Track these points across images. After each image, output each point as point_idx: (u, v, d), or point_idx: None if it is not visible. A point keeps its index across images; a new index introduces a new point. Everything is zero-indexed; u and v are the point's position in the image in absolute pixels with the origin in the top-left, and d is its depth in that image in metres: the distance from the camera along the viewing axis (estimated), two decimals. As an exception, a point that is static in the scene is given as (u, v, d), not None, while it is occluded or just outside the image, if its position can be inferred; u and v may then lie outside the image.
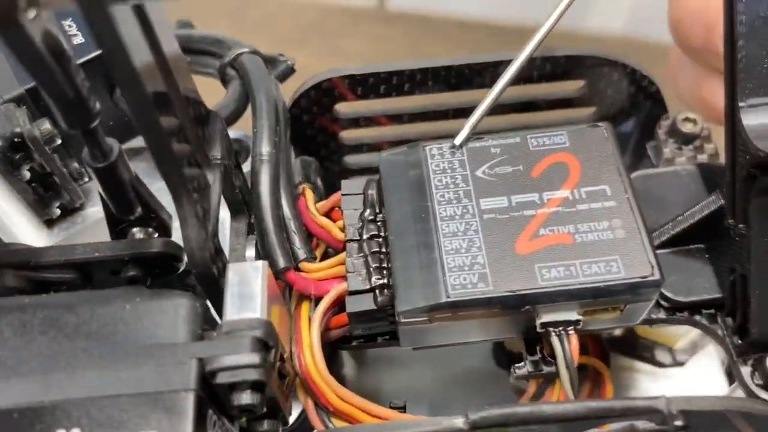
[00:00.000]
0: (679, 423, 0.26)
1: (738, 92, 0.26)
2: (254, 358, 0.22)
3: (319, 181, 0.34)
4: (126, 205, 0.25)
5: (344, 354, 0.38)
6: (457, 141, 0.29)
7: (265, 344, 0.23)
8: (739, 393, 0.29)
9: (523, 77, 0.33)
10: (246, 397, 0.22)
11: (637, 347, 0.37)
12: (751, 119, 0.26)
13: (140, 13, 0.19)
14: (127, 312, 0.23)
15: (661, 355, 0.37)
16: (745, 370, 0.29)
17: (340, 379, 0.29)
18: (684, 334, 0.36)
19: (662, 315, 0.30)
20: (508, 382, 0.33)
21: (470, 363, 0.37)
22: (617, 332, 0.37)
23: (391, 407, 0.28)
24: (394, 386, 0.36)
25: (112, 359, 0.22)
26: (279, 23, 1.15)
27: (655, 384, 0.37)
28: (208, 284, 0.24)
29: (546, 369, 0.28)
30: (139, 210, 0.26)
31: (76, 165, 0.31)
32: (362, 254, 0.28)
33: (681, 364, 0.37)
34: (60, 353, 0.23)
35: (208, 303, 0.25)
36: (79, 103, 0.21)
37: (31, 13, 0.18)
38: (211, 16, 1.07)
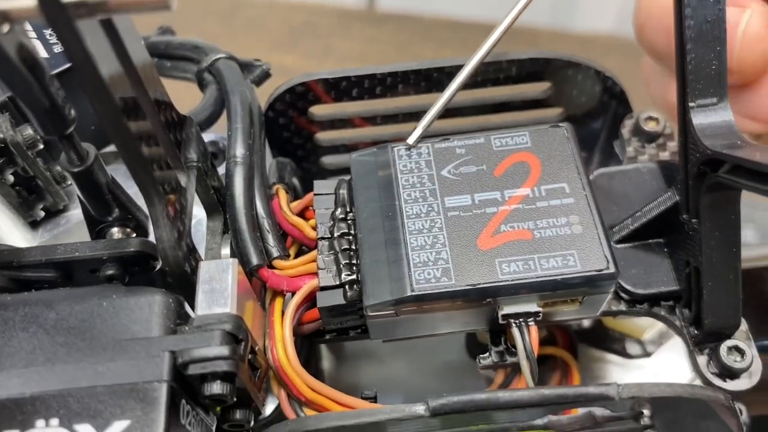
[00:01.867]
0: (646, 412, 0.28)
1: (688, 93, 0.27)
2: (224, 350, 0.23)
3: (295, 182, 0.35)
4: (103, 206, 0.26)
5: (323, 351, 0.40)
6: (410, 140, 0.30)
7: (235, 337, 0.24)
8: (698, 382, 0.30)
9: (490, 79, 0.35)
10: (216, 387, 0.23)
11: (606, 339, 0.38)
12: (700, 118, 0.27)
13: (107, 24, 0.20)
14: (104, 308, 0.24)
15: (630, 347, 0.38)
16: (702, 360, 0.30)
17: (319, 374, 0.31)
18: (651, 326, 0.38)
19: (623, 307, 0.31)
20: (477, 368, 0.35)
21: (445, 356, 0.38)
22: (586, 324, 0.38)
23: (362, 398, 0.29)
24: (369, 380, 0.38)
25: (89, 353, 0.24)
26: (269, 25, 1.16)
27: (624, 374, 0.38)
28: (182, 281, 0.25)
29: (510, 359, 0.29)
30: (116, 211, 0.27)
31: (59, 169, 0.32)
32: (333, 251, 0.30)
33: (649, 354, 0.38)
34: (40, 348, 0.24)
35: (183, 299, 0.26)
36: (54, 111, 0.22)
37: (5, 27, 0.19)
38: (202, 18, 1.09)
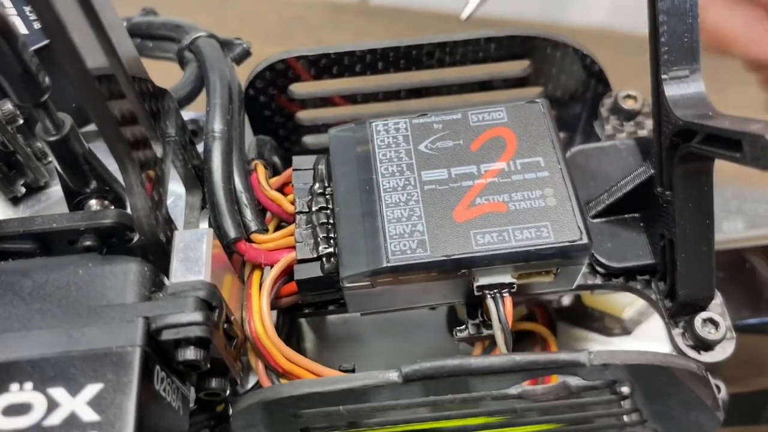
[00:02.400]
0: (624, 386, 0.28)
1: (661, 66, 0.27)
2: (197, 317, 0.23)
3: (275, 159, 0.35)
4: (80, 177, 0.26)
5: (305, 330, 0.40)
6: (463, 16, 0.31)
7: (209, 304, 0.24)
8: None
9: (469, 58, 0.35)
10: (190, 353, 0.23)
11: (586, 318, 0.39)
12: (673, 90, 0.27)
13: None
14: (80, 276, 0.25)
15: (610, 325, 0.39)
16: (677, 332, 0.30)
17: (300, 353, 0.31)
18: (630, 303, 0.38)
19: (598, 281, 0.31)
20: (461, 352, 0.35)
21: (426, 336, 0.39)
22: (565, 303, 0.38)
23: (340, 370, 0.29)
24: (349, 355, 0.38)
25: (64, 319, 0.24)
26: (262, 18, 1.16)
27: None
28: (157, 250, 0.25)
29: (486, 332, 0.30)
30: (93, 183, 0.27)
31: (39, 145, 0.32)
32: (311, 225, 0.30)
33: (629, 332, 0.38)
34: (15, 315, 0.24)
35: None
36: (27, 77, 0.22)
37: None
38: (195, 11, 1.09)
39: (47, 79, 0.23)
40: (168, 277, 0.26)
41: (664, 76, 0.27)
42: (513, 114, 0.31)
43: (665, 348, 0.37)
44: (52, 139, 0.25)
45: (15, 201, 0.33)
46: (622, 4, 1.07)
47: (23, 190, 0.33)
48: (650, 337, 0.38)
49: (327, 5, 1.19)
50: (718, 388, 0.38)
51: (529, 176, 0.29)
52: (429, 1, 1.15)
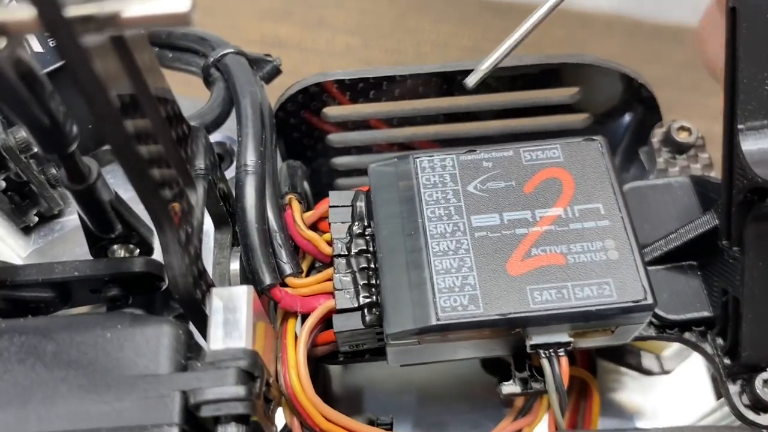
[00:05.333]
0: None
1: (737, 114, 0.25)
2: (239, 391, 0.21)
3: (306, 187, 0.33)
4: (106, 224, 0.24)
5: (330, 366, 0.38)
6: (470, 82, 0.28)
7: (251, 375, 0.22)
8: (727, 410, 0.29)
9: (517, 85, 0.33)
10: (231, 430, 0.22)
11: (624, 354, 0.37)
12: (749, 143, 0.25)
13: (118, 42, 0.18)
14: (108, 340, 0.22)
15: (648, 363, 0.37)
16: (734, 389, 0.29)
17: (327, 388, 0.29)
18: (671, 343, 0.36)
19: (652, 332, 0.29)
20: (495, 389, 0.33)
21: (458, 370, 0.37)
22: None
23: (378, 425, 0.28)
24: (379, 396, 0.36)
25: (92, 390, 0.22)
26: (260, -7, 1.12)
27: (642, 390, 0.37)
28: (192, 309, 0.23)
29: (535, 387, 0.28)
30: (119, 228, 0.25)
31: (54, 171, 0.30)
32: (350, 270, 0.28)
33: (667, 372, 0.37)
34: (38, 383, 0.22)
35: (192, 327, 0.24)
36: (54, 129, 0.20)
37: (1, 42, 0.17)
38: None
39: (75, 128, 0.21)
40: (203, 336, 0.24)
41: (740, 126, 0.25)
42: (569, 152, 0.29)
43: (706, 393, 0.36)
44: (77, 188, 0.22)
45: (26, 230, 0.31)
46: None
47: (36, 219, 0.30)
48: (691, 378, 0.36)
49: (329, -19, 1.15)
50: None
51: (589, 225, 0.27)
52: (436, -20, 1.11)
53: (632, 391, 0.37)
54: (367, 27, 1.12)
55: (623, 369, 0.37)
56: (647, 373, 0.37)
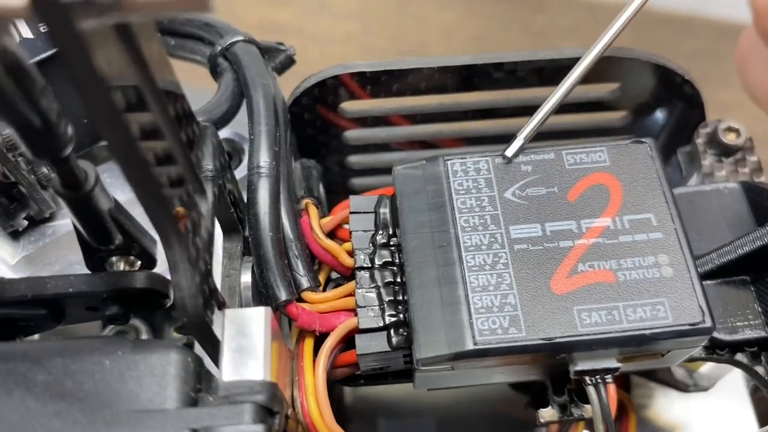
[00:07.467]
0: None
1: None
2: (257, 430, 0.19)
3: (321, 190, 0.30)
4: (104, 235, 0.21)
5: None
6: (509, 152, 0.26)
7: (269, 411, 0.19)
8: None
9: (556, 80, 0.30)
10: (247, 473, 0.19)
11: (657, 369, 0.35)
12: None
13: (123, 30, 0.15)
14: (107, 369, 0.20)
15: (682, 377, 0.35)
16: (789, 416, 0.26)
17: (338, 406, 0.26)
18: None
19: (701, 353, 0.27)
20: (523, 406, 0.31)
21: (482, 387, 0.34)
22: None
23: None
24: (396, 415, 0.34)
25: (89, 427, 0.19)
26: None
27: (677, 409, 0.35)
28: (203, 334, 0.21)
29: (576, 413, 0.25)
30: (118, 239, 0.22)
31: (45, 170, 0.27)
32: (374, 285, 0.25)
33: (704, 389, 0.34)
34: (28, 418, 0.19)
35: (202, 352, 0.21)
36: (46, 130, 0.17)
37: (-16, 30, 0.14)
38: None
39: (69, 129, 0.18)
40: (214, 360, 0.21)
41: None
42: (616, 156, 0.26)
43: (745, 412, 0.34)
44: (72, 196, 0.20)
45: (15, 235, 0.28)
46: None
47: (25, 223, 0.27)
48: (731, 396, 0.34)
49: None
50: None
51: (640, 237, 0.25)
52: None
53: (666, 406, 0.34)
54: (369, 13, 1.09)
55: (658, 386, 0.35)
56: (681, 389, 0.35)
